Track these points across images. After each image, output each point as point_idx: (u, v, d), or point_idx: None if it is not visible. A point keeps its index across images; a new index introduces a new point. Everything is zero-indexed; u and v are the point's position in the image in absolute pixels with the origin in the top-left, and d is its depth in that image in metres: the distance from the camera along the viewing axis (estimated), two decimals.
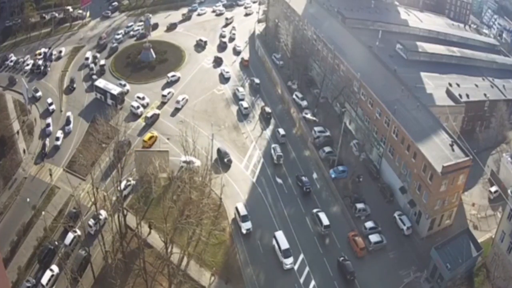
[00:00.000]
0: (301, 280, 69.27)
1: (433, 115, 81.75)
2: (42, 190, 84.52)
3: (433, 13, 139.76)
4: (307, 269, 70.57)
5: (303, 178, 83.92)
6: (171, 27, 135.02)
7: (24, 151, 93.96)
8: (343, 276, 69.40)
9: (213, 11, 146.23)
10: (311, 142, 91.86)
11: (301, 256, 72.10)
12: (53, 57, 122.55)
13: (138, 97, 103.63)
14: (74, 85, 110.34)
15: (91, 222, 75.58)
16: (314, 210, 78.17)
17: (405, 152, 77.52)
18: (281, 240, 71.81)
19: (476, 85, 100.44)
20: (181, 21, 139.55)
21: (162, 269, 69.48)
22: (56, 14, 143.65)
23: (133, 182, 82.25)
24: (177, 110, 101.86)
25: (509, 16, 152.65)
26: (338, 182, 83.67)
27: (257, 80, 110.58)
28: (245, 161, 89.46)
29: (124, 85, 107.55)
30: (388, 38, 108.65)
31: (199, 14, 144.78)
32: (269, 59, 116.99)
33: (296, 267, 70.50)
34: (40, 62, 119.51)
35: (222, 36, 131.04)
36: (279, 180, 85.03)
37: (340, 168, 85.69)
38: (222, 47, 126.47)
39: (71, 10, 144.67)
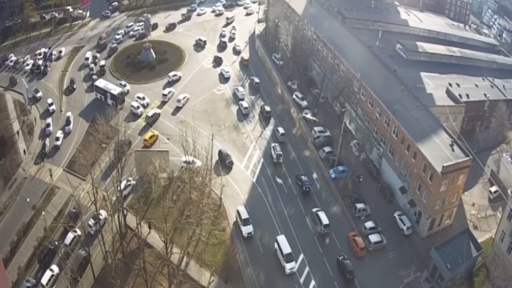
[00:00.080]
0: (301, 280, 69.27)
1: (433, 115, 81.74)
2: (42, 190, 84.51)
3: (433, 13, 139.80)
4: (307, 269, 70.58)
5: (303, 177, 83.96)
6: (170, 27, 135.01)
7: (24, 151, 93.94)
8: (342, 275, 69.43)
9: (213, 11, 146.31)
10: (311, 142, 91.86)
11: (301, 256, 72.10)
12: (53, 57, 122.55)
13: (138, 97, 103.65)
14: (74, 86, 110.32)
15: (91, 222, 75.59)
16: (314, 210, 78.18)
17: (405, 152, 77.52)
18: (283, 244, 71.29)
19: (476, 85, 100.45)
20: (180, 21, 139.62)
21: (162, 269, 69.49)
22: (56, 14, 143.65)
23: (133, 182, 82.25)
24: (178, 109, 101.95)
25: (509, 16, 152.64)
26: (338, 182, 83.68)
27: (256, 80, 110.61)
28: (245, 161, 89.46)
29: (125, 85, 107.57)
30: (388, 38, 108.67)
31: (198, 14, 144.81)
32: (269, 59, 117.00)
33: (296, 267, 70.39)
34: (40, 62, 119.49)
35: (222, 35, 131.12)
36: (279, 180, 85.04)
37: (340, 168, 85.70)
38: (222, 46, 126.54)
39: (71, 10, 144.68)
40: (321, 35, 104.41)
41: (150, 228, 74.98)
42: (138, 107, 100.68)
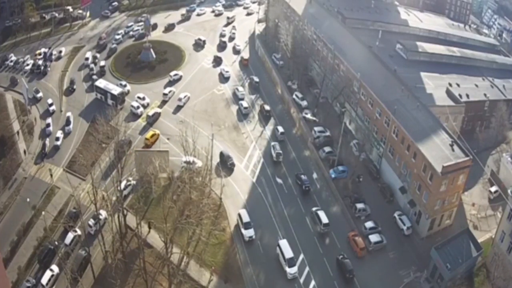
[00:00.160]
0: (301, 280, 69.26)
1: (433, 115, 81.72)
2: (42, 190, 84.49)
3: (433, 13, 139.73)
4: (307, 269, 70.59)
5: (302, 176, 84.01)
6: (169, 27, 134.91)
7: (24, 151, 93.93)
8: (342, 274, 69.47)
9: (212, 11, 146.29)
10: (311, 142, 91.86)
11: (301, 256, 72.09)
12: (53, 57, 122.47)
13: (139, 97, 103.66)
14: (74, 87, 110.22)
15: (91, 222, 75.58)
16: (314, 209, 78.18)
17: (405, 152, 77.52)
18: (285, 249, 70.71)
19: (476, 85, 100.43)
20: (180, 22, 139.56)
21: (162, 269, 69.49)
22: (56, 14, 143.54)
23: (133, 182, 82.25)
24: (179, 107, 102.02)
25: (509, 16, 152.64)
26: (338, 182, 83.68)
27: (256, 79, 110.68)
28: (245, 161, 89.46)
29: (125, 86, 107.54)
30: (388, 38, 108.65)
31: (198, 14, 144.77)
32: (269, 59, 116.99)
33: (297, 272, 69.96)
34: (40, 62, 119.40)
35: (222, 35, 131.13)
36: (279, 180, 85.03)
37: (340, 168, 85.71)
38: (221, 46, 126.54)
39: (71, 10, 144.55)
40: (321, 35, 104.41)
41: (150, 227, 75.00)
42: (138, 107, 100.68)
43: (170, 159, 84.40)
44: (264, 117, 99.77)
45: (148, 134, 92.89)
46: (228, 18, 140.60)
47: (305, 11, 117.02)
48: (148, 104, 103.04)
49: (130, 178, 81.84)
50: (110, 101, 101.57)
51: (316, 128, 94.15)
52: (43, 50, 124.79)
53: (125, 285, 68.33)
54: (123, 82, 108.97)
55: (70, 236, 74.08)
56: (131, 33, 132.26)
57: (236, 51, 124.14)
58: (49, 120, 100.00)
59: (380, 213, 78.92)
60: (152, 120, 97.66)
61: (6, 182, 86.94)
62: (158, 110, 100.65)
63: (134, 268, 69.99)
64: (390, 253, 73.37)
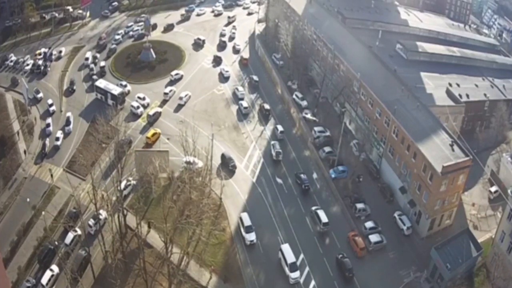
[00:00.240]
0: (301, 280, 69.23)
1: (433, 115, 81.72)
2: (42, 190, 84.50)
3: (433, 13, 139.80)
4: (307, 269, 70.57)
5: (302, 175, 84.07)
6: (168, 28, 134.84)
7: (24, 151, 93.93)
8: (341, 273, 69.51)
9: (212, 11, 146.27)
10: (311, 142, 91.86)
11: (301, 256, 72.07)
12: (53, 57, 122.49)
13: (139, 97, 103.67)
14: (74, 87, 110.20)
15: (91, 222, 75.58)
16: (313, 208, 78.19)
17: (405, 152, 77.51)
18: (288, 253, 70.22)
19: (476, 85, 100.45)
20: (179, 22, 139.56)
21: (162, 269, 69.48)
22: (56, 14, 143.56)
23: (133, 182, 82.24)
24: (180, 106, 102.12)
25: (509, 16, 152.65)
26: (338, 182, 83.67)
27: (255, 78, 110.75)
28: (245, 161, 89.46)
29: (125, 86, 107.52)
30: (388, 38, 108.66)
31: (198, 15, 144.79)
32: (269, 59, 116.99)
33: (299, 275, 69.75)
34: (40, 62, 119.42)
35: (222, 35, 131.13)
36: (279, 180, 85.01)
37: (340, 168, 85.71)
38: (221, 46, 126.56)
39: (71, 10, 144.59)
40: (321, 35, 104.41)
41: (149, 227, 74.95)
42: (138, 107, 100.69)
43: (170, 159, 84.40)
44: (264, 116, 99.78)
45: (150, 133, 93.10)
46: (229, 17, 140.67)
47: (305, 11, 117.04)
48: (148, 104, 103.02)
49: (130, 178, 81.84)
50: (110, 101, 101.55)
51: (316, 128, 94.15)
52: (43, 50, 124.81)
53: (125, 285, 68.34)
54: (124, 82, 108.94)
55: (70, 236, 74.09)
56: (131, 33, 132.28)
57: (236, 51, 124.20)
58: (49, 120, 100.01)
59: (380, 213, 78.92)
60: (153, 119, 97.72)
61: (6, 182, 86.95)
62: (159, 109, 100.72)
63: (134, 268, 69.99)
64: (390, 253, 73.38)
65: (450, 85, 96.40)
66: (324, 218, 75.70)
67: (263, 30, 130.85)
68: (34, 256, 73.12)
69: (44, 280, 68.16)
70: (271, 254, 72.46)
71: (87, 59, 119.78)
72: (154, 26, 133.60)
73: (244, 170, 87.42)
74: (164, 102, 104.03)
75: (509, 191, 69.29)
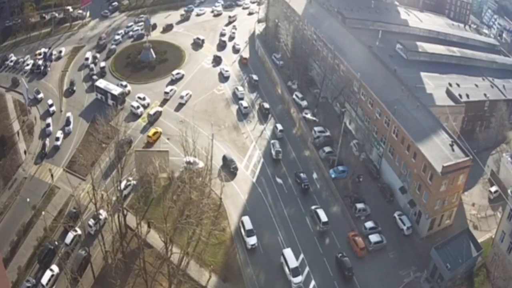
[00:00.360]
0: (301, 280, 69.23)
1: (433, 115, 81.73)
2: (42, 190, 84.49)
3: (433, 13, 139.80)
4: (307, 269, 70.57)
5: (302, 174, 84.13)
6: (168, 28, 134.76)
7: (24, 151, 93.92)
8: (341, 272, 69.54)
9: (212, 11, 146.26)
10: (311, 142, 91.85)
11: (301, 256, 72.08)
12: (53, 57, 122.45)
13: (139, 97, 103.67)
14: (74, 88, 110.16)
15: (91, 222, 75.58)
16: (313, 207, 78.23)
17: (405, 152, 77.51)
18: (290, 258, 69.80)
19: (476, 85, 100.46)
20: (179, 22, 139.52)
21: (162, 269, 69.48)
22: (56, 14, 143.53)
23: (133, 182, 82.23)
24: (181, 105, 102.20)
25: (509, 16, 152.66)
26: (338, 182, 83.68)
27: (255, 77, 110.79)
28: (245, 161, 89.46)
29: (125, 86, 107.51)
30: (388, 38, 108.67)
31: (198, 15, 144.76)
32: (269, 59, 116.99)
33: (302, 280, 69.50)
34: (40, 62, 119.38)
35: (222, 34, 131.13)
36: (279, 180, 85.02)
37: (340, 168, 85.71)
38: (221, 46, 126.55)
39: (71, 10, 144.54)
40: (321, 35, 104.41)
41: (149, 227, 74.92)
42: (138, 107, 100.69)
43: (170, 159, 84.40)
44: (263, 115, 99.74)
45: (151, 131, 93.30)
46: (229, 17, 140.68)
47: (305, 11, 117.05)
48: (148, 104, 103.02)
49: (130, 178, 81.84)
50: (110, 101, 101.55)
51: (316, 128, 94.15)
52: (43, 50, 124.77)
53: (125, 285, 68.34)
54: (124, 82, 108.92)
55: (70, 236, 74.10)
56: (130, 33, 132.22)
57: (236, 51, 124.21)
58: (49, 120, 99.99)
59: (380, 213, 78.92)
60: (153, 118, 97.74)
61: (6, 182, 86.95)
62: (159, 108, 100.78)
63: (134, 268, 69.99)
64: (390, 253, 73.38)
65: (450, 85, 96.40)
66: (323, 217, 75.72)
67: (263, 30, 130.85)
68: (34, 256, 73.12)
69: (44, 280, 68.17)
70: (271, 255, 72.49)
71: (87, 59, 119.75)
72: (154, 26, 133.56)
73: (244, 170, 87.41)
74: (164, 101, 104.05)
75: (509, 191, 69.28)
